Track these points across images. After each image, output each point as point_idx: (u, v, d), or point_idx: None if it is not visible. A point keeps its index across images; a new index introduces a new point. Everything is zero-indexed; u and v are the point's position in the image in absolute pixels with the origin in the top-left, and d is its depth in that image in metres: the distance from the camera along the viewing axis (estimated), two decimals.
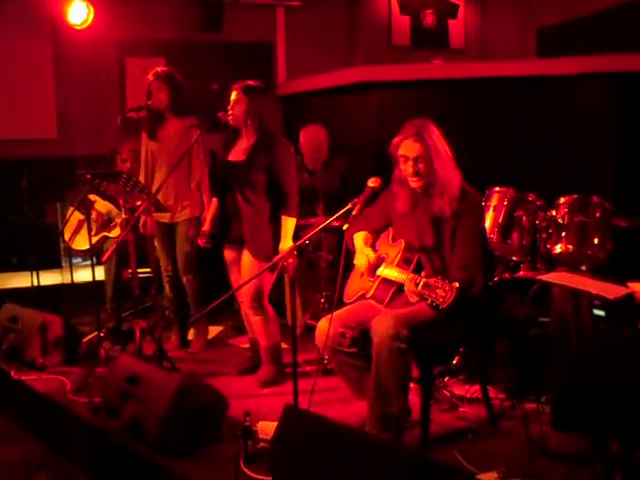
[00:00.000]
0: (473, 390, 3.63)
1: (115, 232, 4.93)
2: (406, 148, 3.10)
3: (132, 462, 3.04)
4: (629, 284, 2.82)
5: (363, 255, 3.28)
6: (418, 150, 3.08)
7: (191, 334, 4.77)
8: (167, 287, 4.67)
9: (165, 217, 4.44)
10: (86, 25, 5.81)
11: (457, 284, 2.68)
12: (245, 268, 3.91)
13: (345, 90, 5.51)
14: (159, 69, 4.42)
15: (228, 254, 4.10)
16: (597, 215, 3.83)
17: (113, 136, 4.82)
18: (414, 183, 3.15)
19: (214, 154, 4.40)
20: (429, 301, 2.73)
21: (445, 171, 3.09)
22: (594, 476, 2.64)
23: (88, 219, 4.29)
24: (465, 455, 3.05)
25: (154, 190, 4.12)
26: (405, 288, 2.97)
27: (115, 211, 4.94)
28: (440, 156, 3.07)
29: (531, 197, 4.03)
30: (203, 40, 6.36)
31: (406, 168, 3.12)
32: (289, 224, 3.82)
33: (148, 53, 6.16)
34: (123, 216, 4.12)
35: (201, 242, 4.29)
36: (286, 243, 3.78)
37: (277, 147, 3.84)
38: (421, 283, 2.78)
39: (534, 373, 3.47)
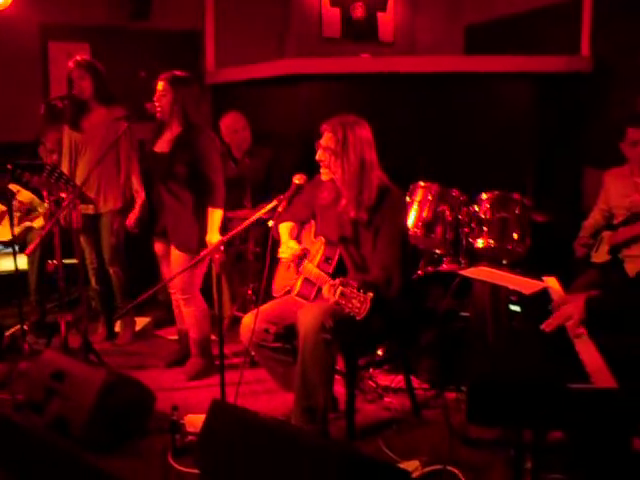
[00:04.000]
0: (398, 380, 3.73)
1: (38, 222, 4.82)
2: (323, 137, 3.16)
3: (58, 460, 3.00)
4: (544, 278, 2.93)
5: (288, 248, 3.30)
6: (328, 141, 3.13)
7: (118, 326, 4.72)
8: (93, 279, 4.60)
9: (89, 209, 4.37)
10: (5, 5, 5.61)
11: (372, 294, 2.68)
12: (174, 261, 3.90)
13: (275, 81, 5.49)
14: (78, 57, 4.33)
15: (158, 247, 4.09)
16: (517, 211, 3.98)
17: (35, 124, 4.68)
18: (323, 173, 3.20)
19: (142, 144, 4.36)
20: (346, 310, 2.73)
21: (349, 174, 3.11)
22: (508, 461, 2.80)
23: (10, 210, 4.17)
24: (390, 445, 3.15)
25: (79, 181, 4.05)
26: (323, 294, 2.95)
27: (37, 201, 4.83)
28: (348, 156, 3.09)
29: (455, 192, 4.14)
30: (130, 27, 6.22)
31: (318, 156, 3.18)
32: (216, 216, 3.80)
33: (73, 38, 5.98)
34: (46, 206, 4.02)
35: (129, 223, 4.32)
36: (213, 235, 3.77)
37: (201, 139, 3.82)
38: (337, 292, 2.77)
39: (455, 364, 3.59)
